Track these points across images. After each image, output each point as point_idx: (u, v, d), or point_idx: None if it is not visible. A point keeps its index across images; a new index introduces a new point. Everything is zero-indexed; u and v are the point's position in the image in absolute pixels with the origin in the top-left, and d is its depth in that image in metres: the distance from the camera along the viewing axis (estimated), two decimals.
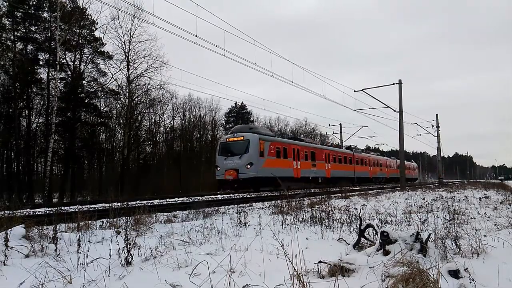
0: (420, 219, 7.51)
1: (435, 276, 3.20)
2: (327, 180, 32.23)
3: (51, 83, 31.92)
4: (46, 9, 32.76)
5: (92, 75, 36.51)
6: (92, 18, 34.30)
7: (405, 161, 57.38)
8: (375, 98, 28.11)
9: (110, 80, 35.67)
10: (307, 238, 5.81)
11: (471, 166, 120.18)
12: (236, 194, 20.74)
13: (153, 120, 44.66)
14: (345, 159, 37.68)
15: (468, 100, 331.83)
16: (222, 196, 19.35)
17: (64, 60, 33.09)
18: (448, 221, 7.12)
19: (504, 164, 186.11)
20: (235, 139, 24.47)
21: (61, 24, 27.86)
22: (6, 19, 30.86)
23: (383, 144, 59.55)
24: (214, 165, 25.64)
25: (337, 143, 48.75)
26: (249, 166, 23.06)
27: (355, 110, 29.39)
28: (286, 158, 26.44)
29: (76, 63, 34.51)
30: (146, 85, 35.85)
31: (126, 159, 35.85)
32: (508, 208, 9.66)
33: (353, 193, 18.28)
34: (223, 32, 17.22)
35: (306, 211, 9.10)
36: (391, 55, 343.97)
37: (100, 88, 36.65)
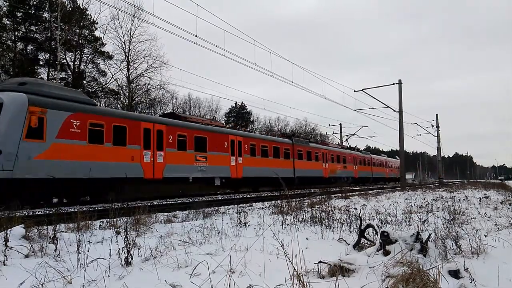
0: (420, 219, 7.51)
1: (435, 276, 3.19)
2: (235, 182, 22.53)
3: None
4: (46, 9, 32.80)
5: (93, 75, 36.59)
6: (92, 18, 34.37)
7: (384, 157, 53.63)
8: (375, 98, 28.12)
9: (110, 80, 35.75)
10: (307, 238, 5.81)
11: (471, 166, 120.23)
12: (236, 194, 20.69)
13: None
14: (277, 152, 26.41)
15: (468, 100, 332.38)
16: (222, 196, 19.34)
17: (65, 60, 33.13)
18: (448, 221, 7.11)
19: (504, 164, 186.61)
20: None
21: (61, 24, 27.86)
22: (6, 19, 30.88)
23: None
24: None
25: (337, 143, 47.50)
26: None
27: (355, 110, 29.41)
28: (122, 145, 15.61)
29: (76, 63, 34.57)
30: (146, 85, 35.94)
31: None
32: (509, 208, 9.66)
33: (353, 193, 18.32)
34: (223, 32, 17.23)
35: (306, 211, 9.09)
36: (391, 55, 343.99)
37: (101, 88, 36.67)
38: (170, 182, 17.90)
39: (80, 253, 4.45)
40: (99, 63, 36.34)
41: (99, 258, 4.09)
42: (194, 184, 19.27)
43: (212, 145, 20.39)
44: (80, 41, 33.96)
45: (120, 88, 36.37)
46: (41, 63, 33.43)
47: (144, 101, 38.46)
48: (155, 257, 4.47)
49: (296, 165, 28.50)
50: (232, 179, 21.80)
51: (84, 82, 35.99)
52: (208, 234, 6.24)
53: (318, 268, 3.85)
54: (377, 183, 45.58)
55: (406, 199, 14.25)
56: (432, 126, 43.41)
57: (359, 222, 5.23)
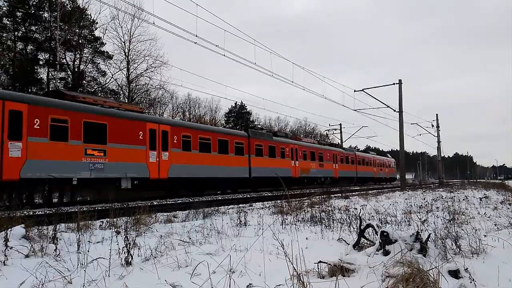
0: (420, 219, 7.51)
1: (435, 276, 3.20)
2: (156, 184, 17.68)
3: (51, 83, 31.95)
4: (46, 9, 32.80)
5: (92, 75, 36.54)
6: (92, 18, 34.36)
7: (373, 155, 51.04)
8: (375, 98, 28.11)
9: (110, 80, 35.73)
10: (307, 238, 5.82)
11: (471, 166, 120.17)
12: (236, 194, 20.73)
13: None
14: (224, 146, 21.46)
15: (468, 100, 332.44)
16: (222, 196, 19.37)
17: (64, 60, 33.11)
18: (448, 221, 7.12)
19: (504, 164, 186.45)
20: None
21: (61, 24, 27.87)
22: (6, 19, 30.89)
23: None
24: None
25: (337, 143, 47.18)
26: None
27: (355, 110, 29.40)
28: None
29: (76, 63, 34.53)
30: (146, 85, 35.96)
31: None
32: (508, 208, 9.66)
33: (353, 193, 18.33)
34: (223, 32, 17.22)
35: (306, 211, 9.10)
36: (391, 55, 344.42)
37: (100, 88, 36.65)
38: (35, 184, 13.74)
39: (80, 253, 4.45)
40: (99, 63, 36.33)
41: (99, 258, 4.09)
42: (82, 186, 14.98)
43: (116, 135, 15.45)
44: (80, 41, 33.94)
45: (120, 88, 36.37)
46: (41, 63, 33.38)
47: (144, 101, 38.43)
48: (155, 257, 4.48)
49: (253, 163, 23.58)
50: (152, 180, 16.92)
51: (84, 82, 35.97)
52: (208, 234, 6.24)
53: (318, 268, 3.85)
54: (363, 184, 41.69)
55: (406, 199, 14.26)
56: (432, 126, 43.40)
57: (359, 222, 5.23)
